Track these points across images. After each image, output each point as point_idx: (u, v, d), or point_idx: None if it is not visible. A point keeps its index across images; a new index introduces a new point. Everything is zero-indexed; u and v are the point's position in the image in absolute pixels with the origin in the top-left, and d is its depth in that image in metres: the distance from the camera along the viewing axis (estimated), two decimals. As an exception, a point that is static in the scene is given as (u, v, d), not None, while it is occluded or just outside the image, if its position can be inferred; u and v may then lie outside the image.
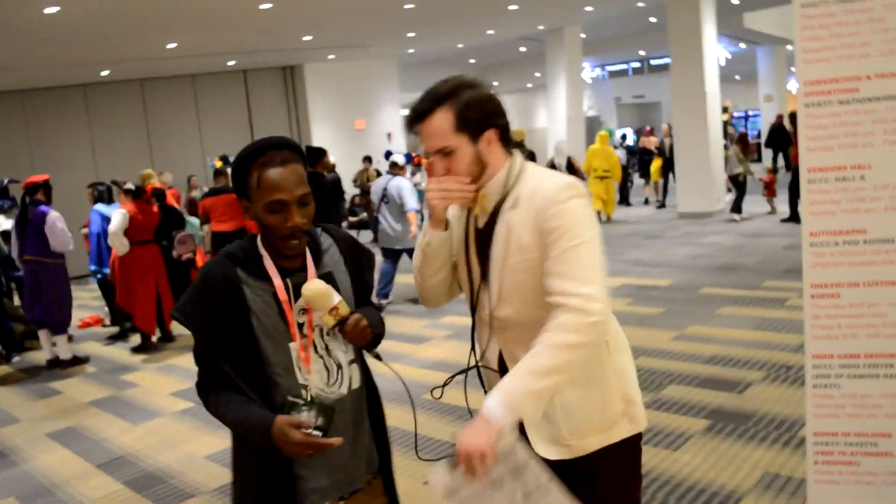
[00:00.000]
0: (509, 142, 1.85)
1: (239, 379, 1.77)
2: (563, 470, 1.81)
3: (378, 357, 1.89)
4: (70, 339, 7.55)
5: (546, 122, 18.88)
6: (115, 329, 8.43)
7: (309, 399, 1.79)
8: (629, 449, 1.92)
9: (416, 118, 1.80)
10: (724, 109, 16.88)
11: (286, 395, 1.78)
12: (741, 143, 12.35)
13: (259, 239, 1.84)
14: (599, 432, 1.85)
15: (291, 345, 1.80)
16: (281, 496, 1.80)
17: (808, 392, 2.70)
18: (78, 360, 7.17)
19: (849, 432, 2.66)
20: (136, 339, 7.78)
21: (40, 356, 7.47)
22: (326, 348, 1.84)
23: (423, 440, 4.38)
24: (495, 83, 26.60)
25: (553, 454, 1.82)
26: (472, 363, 2.00)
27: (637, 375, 2.00)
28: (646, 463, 3.77)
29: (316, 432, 1.72)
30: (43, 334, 7.11)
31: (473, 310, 1.94)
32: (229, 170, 8.76)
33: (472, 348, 1.99)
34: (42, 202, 6.82)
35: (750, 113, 27.81)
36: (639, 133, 23.92)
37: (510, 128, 1.85)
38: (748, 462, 3.73)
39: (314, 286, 1.75)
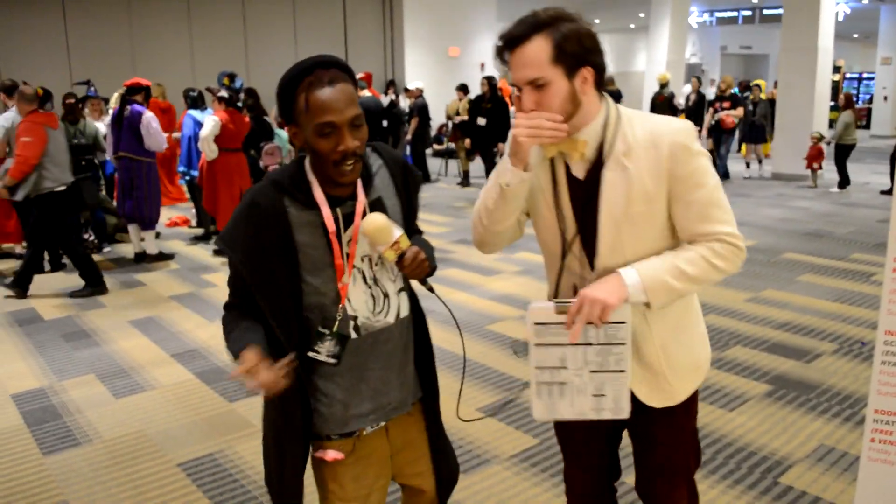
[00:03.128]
0: (602, 85, 1.72)
1: (271, 317, 1.73)
2: (651, 412, 1.90)
3: (431, 289, 1.83)
4: (157, 235, 7.92)
5: (644, 66, 18.25)
6: (199, 230, 8.78)
7: (335, 330, 1.76)
8: (696, 391, 2.00)
9: (510, 44, 1.66)
10: (837, 69, 15.90)
11: (320, 325, 1.76)
12: (848, 106, 11.49)
13: (308, 164, 1.75)
14: (692, 376, 1.92)
15: (343, 278, 1.75)
16: (303, 420, 1.81)
17: (875, 368, 2.63)
18: (164, 256, 7.56)
19: (912, 413, 2.59)
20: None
21: (129, 249, 7.86)
22: (374, 278, 1.80)
23: (481, 368, 4.46)
24: (596, 20, 25.89)
25: (660, 402, 1.88)
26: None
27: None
28: (700, 419, 3.75)
29: (331, 360, 1.76)
30: (132, 228, 7.48)
31: (562, 268, 1.85)
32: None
33: (556, 294, 1.90)
34: (139, 103, 7.13)
35: (864, 75, 26.19)
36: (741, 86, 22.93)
37: (606, 69, 1.73)
38: (804, 431, 3.67)
39: (375, 221, 1.67)
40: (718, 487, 3.17)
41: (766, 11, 22.87)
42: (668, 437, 1.97)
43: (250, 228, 1.70)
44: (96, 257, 7.74)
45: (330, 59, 1.66)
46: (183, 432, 3.80)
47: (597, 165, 1.73)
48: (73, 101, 7.58)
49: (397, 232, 1.70)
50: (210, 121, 7.29)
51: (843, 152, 11.28)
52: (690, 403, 1.96)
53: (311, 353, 1.77)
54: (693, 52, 24.85)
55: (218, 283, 6.69)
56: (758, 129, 12.73)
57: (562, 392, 1.78)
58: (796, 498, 3.09)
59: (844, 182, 11.35)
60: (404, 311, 1.88)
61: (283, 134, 9.62)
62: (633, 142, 1.70)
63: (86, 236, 7.94)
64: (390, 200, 1.84)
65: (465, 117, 11.47)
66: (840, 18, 16.18)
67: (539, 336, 1.75)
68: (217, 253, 7.74)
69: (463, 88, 12.36)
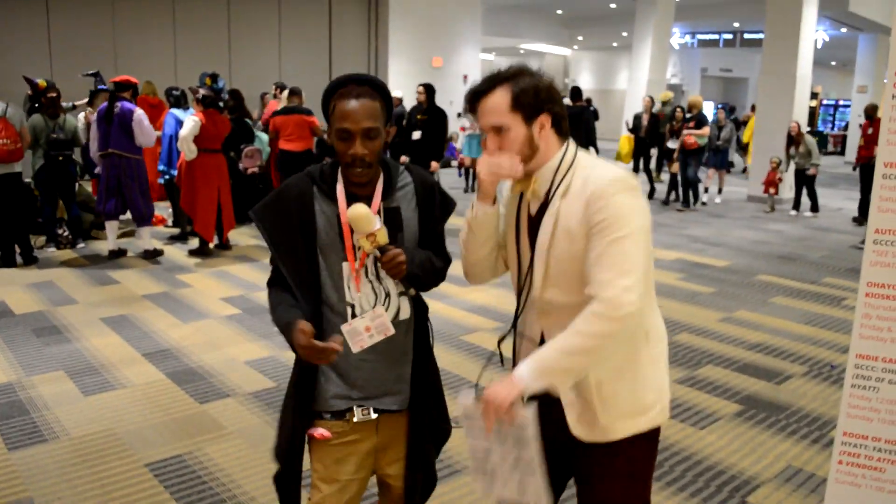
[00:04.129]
0: (565, 131, 1.90)
1: (294, 286, 1.94)
2: (584, 446, 1.90)
3: (410, 293, 2.02)
4: (131, 234, 7.85)
5: (626, 84, 18.44)
6: (176, 230, 8.71)
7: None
8: (651, 438, 1.98)
9: (476, 96, 1.87)
10: (814, 95, 16.16)
11: (335, 307, 1.96)
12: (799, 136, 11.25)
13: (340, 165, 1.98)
14: (631, 418, 1.91)
15: (345, 264, 1.93)
16: (308, 394, 1.99)
17: (845, 391, 2.67)
18: (156, 252, 7.53)
19: (879, 438, 2.63)
20: (194, 242, 8.02)
21: (104, 246, 7.78)
22: (377, 275, 1.96)
23: (455, 378, 4.46)
24: (580, 37, 26.04)
25: (587, 435, 1.90)
26: (512, 341, 2.07)
27: (676, 351, 2.03)
28: (669, 437, 3.79)
29: (337, 338, 1.84)
30: (110, 226, 7.40)
31: (520, 290, 1.99)
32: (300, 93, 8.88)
33: (514, 327, 2.04)
34: (128, 100, 7.10)
35: (840, 102, 26.66)
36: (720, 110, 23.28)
37: (565, 116, 1.89)
38: (773, 452, 3.71)
39: (356, 208, 1.85)
40: (687, 504, 3.20)
41: (746, 35, 23.25)
42: (602, 478, 1.95)
43: (280, 205, 1.95)
44: (71, 253, 7.65)
45: (366, 78, 1.92)
46: (152, 432, 3.76)
47: (545, 204, 1.90)
48: (54, 95, 7.50)
49: (376, 225, 1.86)
50: (190, 121, 7.25)
51: (805, 178, 11.37)
52: (632, 448, 1.93)
53: (343, 327, 1.93)
54: (674, 72, 25.19)
55: (193, 283, 6.64)
56: (722, 154, 12.40)
57: (492, 479, 1.87)
58: (763, 517, 3.12)
59: (815, 207, 11.58)
60: (404, 314, 2.02)
61: (263, 137, 9.60)
62: (571, 185, 1.84)
63: (60, 231, 7.84)
64: (407, 213, 2.02)
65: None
66: (819, 46, 16.48)
67: (468, 429, 1.86)
68: (193, 254, 7.68)
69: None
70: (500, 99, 1.83)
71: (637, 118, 13.20)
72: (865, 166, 10.66)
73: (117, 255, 7.44)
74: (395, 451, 2.08)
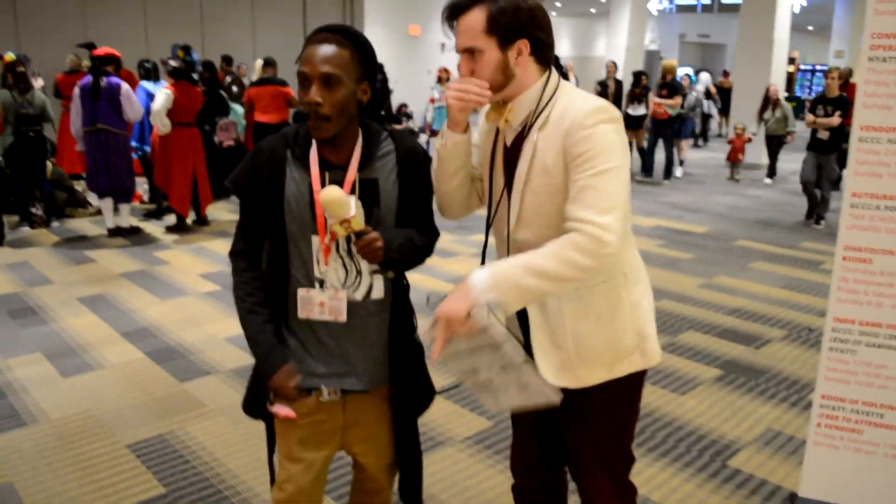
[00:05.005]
0: (547, 59, 1.78)
1: (264, 254, 1.88)
2: (563, 392, 1.82)
3: (386, 276, 1.87)
4: (99, 212, 7.76)
5: (604, 51, 18.35)
6: (152, 206, 8.60)
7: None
8: (633, 382, 1.92)
9: (453, 13, 1.76)
10: (791, 60, 16.14)
11: (301, 280, 1.86)
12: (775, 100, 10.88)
13: None
14: (608, 364, 1.84)
15: (314, 237, 1.82)
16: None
17: (822, 354, 2.69)
18: (136, 230, 7.49)
19: (857, 400, 2.66)
20: (171, 218, 7.92)
21: (79, 224, 7.67)
22: (349, 251, 1.83)
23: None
24: (557, 3, 25.84)
25: (560, 381, 1.82)
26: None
27: (656, 317, 1.98)
28: (650, 403, 3.82)
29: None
30: (105, 204, 7.28)
31: (488, 227, 1.94)
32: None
33: (482, 263, 1.91)
34: (112, 74, 6.96)
35: (818, 67, 26.72)
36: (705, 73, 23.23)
37: (550, 44, 1.77)
38: (752, 416, 3.75)
39: (330, 193, 1.68)
40: (668, 470, 3.22)
41: (724, 1, 23.18)
42: (578, 423, 1.93)
43: (254, 168, 1.84)
44: (45, 232, 7.53)
45: (341, 27, 1.76)
46: (132, 413, 3.73)
47: (521, 136, 1.80)
48: (22, 69, 7.33)
49: (352, 211, 1.69)
50: (162, 94, 7.11)
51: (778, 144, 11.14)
52: (609, 394, 1.87)
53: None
54: (652, 38, 25.08)
55: (170, 260, 6.57)
56: (686, 123, 11.93)
57: (494, 390, 1.79)
58: (744, 481, 3.16)
59: (772, 172, 11.45)
60: (377, 294, 1.89)
61: (238, 109, 9.46)
62: (550, 116, 1.74)
63: (34, 210, 7.71)
64: (387, 185, 1.86)
65: None
66: (796, 10, 16.45)
67: (442, 355, 1.74)
68: (170, 230, 7.60)
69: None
70: (475, 19, 1.71)
71: (602, 84, 12.26)
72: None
73: (118, 233, 7.32)
74: (362, 429, 1.99)
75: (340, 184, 1.78)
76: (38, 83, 8.49)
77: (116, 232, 7.33)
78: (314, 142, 1.81)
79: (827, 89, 8.12)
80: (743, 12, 12.62)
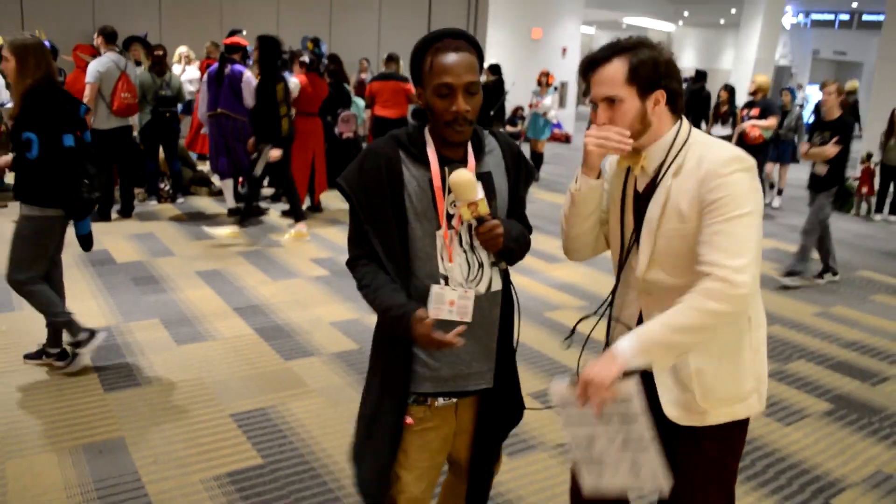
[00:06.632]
0: (679, 108, 1.84)
1: (385, 257, 1.86)
2: (673, 430, 1.85)
3: (501, 267, 1.94)
4: (221, 193, 8.12)
5: (731, 64, 17.74)
6: (271, 190, 8.94)
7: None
8: (744, 426, 1.94)
9: (592, 64, 1.82)
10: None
11: (424, 280, 1.87)
12: None
13: (427, 126, 1.90)
14: (729, 405, 1.87)
15: (438, 232, 1.85)
16: (400, 376, 1.91)
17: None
18: (262, 211, 7.84)
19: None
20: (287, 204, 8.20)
21: (202, 202, 8.08)
22: (471, 244, 1.89)
23: (536, 355, 4.45)
24: (685, 13, 25.14)
25: (683, 419, 1.85)
26: (608, 317, 2.01)
27: (767, 343, 1.94)
28: (753, 430, 3.67)
29: (459, 329, 1.80)
30: (226, 185, 7.64)
31: (620, 268, 1.95)
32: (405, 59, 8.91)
33: (611, 304, 2.00)
34: (238, 62, 7.28)
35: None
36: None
37: (682, 94, 1.83)
38: (862, 455, 3.55)
39: (462, 174, 1.77)
40: (767, 501, 3.10)
41: (865, 17, 21.99)
42: (691, 462, 1.90)
43: (368, 171, 1.86)
44: (171, 207, 7.97)
45: (459, 32, 1.83)
46: (238, 384, 3.90)
47: (654, 182, 1.85)
48: (161, 53, 7.77)
49: (479, 194, 1.79)
50: (290, 83, 7.38)
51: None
52: (724, 435, 1.89)
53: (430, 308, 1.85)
54: (783, 53, 24.04)
55: (284, 242, 6.82)
56: (784, 145, 10.23)
57: (601, 467, 1.79)
58: (848, 521, 3.00)
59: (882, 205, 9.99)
60: (496, 286, 1.94)
61: (360, 102, 9.70)
62: (685, 164, 1.79)
63: (162, 186, 8.17)
64: (498, 178, 1.95)
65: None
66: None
67: (566, 418, 1.79)
68: (285, 214, 7.88)
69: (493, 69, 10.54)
70: (616, 69, 1.77)
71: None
72: None
73: (235, 212, 7.67)
74: (471, 436, 2.04)
75: None
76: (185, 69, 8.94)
77: (236, 212, 7.67)
78: (429, 140, 1.87)
79: (824, 109, 6.37)
80: (885, 29, 11.92)
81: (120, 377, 3.91)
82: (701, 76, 12.67)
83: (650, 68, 1.76)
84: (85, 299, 5.02)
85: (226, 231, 6.75)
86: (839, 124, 6.14)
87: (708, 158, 1.75)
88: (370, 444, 1.97)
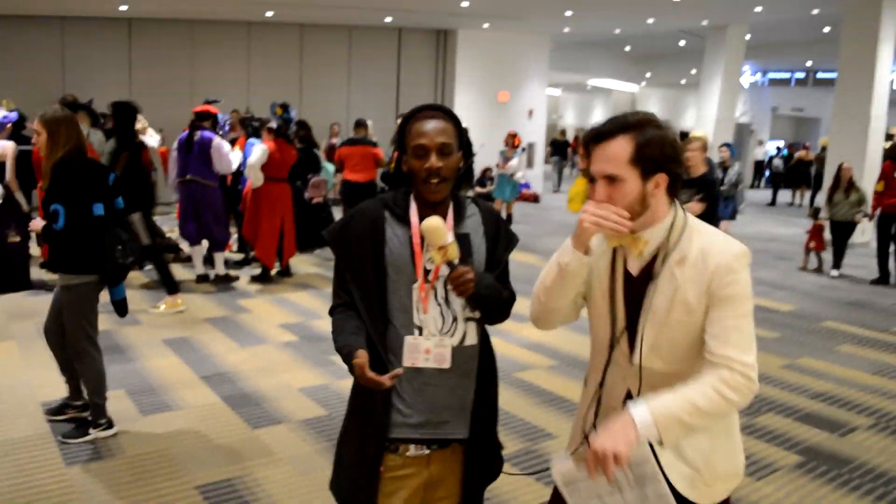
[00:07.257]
0: (675, 194, 1.83)
1: (362, 307, 1.97)
2: None
3: (473, 315, 2.02)
4: (189, 259, 8.08)
5: (693, 123, 18.21)
6: (240, 255, 8.91)
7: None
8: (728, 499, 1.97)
9: (596, 138, 1.79)
10: (889, 137, 15.54)
11: (400, 330, 1.97)
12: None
13: (412, 193, 2.04)
14: (729, 480, 1.91)
15: (414, 285, 1.96)
16: (377, 423, 1.97)
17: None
18: (229, 278, 7.75)
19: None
20: (257, 268, 8.18)
21: (172, 269, 7.97)
22: (446, 298, 1.98)
23: (506, 416, 4.43)
24: (647, 74, 25.83)
25: (691, 495, 1.85)
26: (596, 396, 1.98)
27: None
28: (724, 485, 3.66)
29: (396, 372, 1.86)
30: (195, 251, 7.61)
31: (611, 349, 1.92)
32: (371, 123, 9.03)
33: (601, 384, 1.95)
34: (207, 129, 7.34)
35: (919, 145, 25.72)
36: (790, 147, 22.65)
37: (682, 179, 1.82)
38: (834, 507, 3.56)
39: (432, 220, 1.89)
40: (740, 558, 3.08)
41: (819, 75, 22.78)
42: None
43: (353, 227, 2.02)
44: (138, 275, 7.89)
45: (438, 106, 2.03)
46: (204, 454, 3.83)
47: (650, 265, 1.83)
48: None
49: (449, 238, 1.90)
50: (258, 149, 7.45)
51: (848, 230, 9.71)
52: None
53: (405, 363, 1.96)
54: (743, 111, 24.74)
55: (253, 309, 6.78)
56: (726, 201, 9.37)
57: None
58: (821, 576, 2.98)
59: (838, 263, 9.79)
60: (470, 340, 2.03)
61: (329, 167, 9.79)
62: (688, 253, 1.78)
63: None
64: (477, 241, 2.07)
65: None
66: (895, 86, 16.00)
67: (572, 494, 1.80)
68: (255, 280, 7.84)
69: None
70: (621, 147, 1.74)
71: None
72: (887, 216, 9.18)
73: (204, 279, 7.61)
74: (446, 488, 2.06)
75: None
76: (153, 137, 8.98)
77: (204, 278, 7.62)
78: (413, 202, 2.02)
79: (689, 166, 5.68)
80: (838, 86, 12.35)
81: (82, 450, 3.82)
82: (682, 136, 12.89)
83: (655, 150, 1.73)
84: (51, 369, 4.91)
85: (160, 308, 6.61)
86: (702, 181, 5.73)
87: (714, 252, 1.75)
88: (348, 486, 2.05)
